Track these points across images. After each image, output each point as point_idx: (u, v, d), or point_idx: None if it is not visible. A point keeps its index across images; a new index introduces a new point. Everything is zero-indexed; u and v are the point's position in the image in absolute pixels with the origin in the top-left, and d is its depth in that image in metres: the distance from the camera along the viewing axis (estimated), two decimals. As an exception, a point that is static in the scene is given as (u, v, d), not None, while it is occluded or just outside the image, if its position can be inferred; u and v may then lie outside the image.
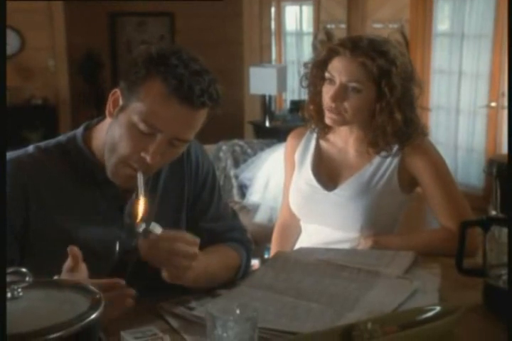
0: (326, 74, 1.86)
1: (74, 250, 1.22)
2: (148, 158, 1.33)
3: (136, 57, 1.35)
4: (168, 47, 1.36)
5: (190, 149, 1.55)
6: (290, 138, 2.09)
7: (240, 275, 1.56)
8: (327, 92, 1.85)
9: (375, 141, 1.87)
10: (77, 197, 1.43)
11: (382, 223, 1.91)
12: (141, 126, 1.32)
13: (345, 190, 1.91)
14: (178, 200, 1.54)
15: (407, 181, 1.90)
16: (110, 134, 1.38)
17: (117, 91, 1.38)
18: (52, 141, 1.48)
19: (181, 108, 1.31)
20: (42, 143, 1.47)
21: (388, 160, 1.89)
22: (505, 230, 1.36)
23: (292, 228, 2.08)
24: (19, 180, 1.38)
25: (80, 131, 1.47)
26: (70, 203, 1.42)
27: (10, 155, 1.42)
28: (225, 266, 1.51)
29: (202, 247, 1.40)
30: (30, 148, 1.46)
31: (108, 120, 1.41)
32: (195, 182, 1.56)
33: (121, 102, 1.36)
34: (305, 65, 1.99)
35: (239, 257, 1.57)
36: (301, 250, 1.89)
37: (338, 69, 1.82)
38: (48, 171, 1.41)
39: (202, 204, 1.58)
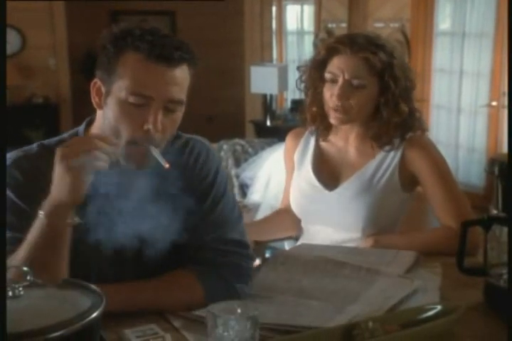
0: (327, 74, 1.85)
1: None
2: (151, 128, 1.33)
3: (102, 41, 1.37)
4: (124, 25, 1.38)
5: (195, 145, 1.53)
6: (288, 139, 2.09)
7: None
8: (329, 91, 1.85)
9: (378, 134, 1.88)
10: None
11: (383, 222, 1.91)
12: (131, 99, 1.32)
13: (346, 189, 1.91)
14: (177, 190, 1.46)
15: (408, 179, 1.90)
16: (107, 122, 1.38)
17: (96, 81, 1.39)
18: (55, 138, 1.49)
19: (161, 68, 1.32)
20: (45, 141, 1.48)
21: (389, 158, 1.89)
22: (506, 229, 1.36)
23: (288, 216, 2.06)
24: (30, 174, 1.39)
25: (81, 127, 1.48)
26: None
27: (15, 153, 1.44)
28: (176, 302, 1.39)
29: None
30: (34, 145, 1.47)
31: (99, 113, 1.42)
32: (190, 180, 1.48)
33: (103, 90, 1.37)
34: (298, 68, 1.99)
35: (199, 286, 1.40)
36: (301, 247, 1.89)
37: (340, 68, 1.83)
38: (50, 168, 1.41)
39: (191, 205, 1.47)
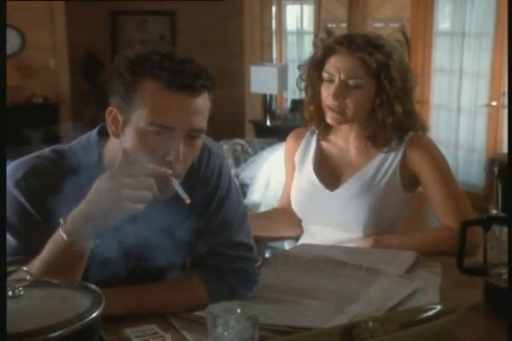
0: (324, 74, 1.86)
1: None
2: (173, 159, 1.28)
3: (116, 67, 1.31)
4: (141, 49, 1.33)
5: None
6: (289, 139, 2.09)
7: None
8: (326, 91, 1.86)
9: (374, 135, 1.88)
10: None
11: (384, 222, 1.91)
12: (152, 129, 1.27)
13: (347, 189, 1.91)
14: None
15: (409, 179, 1.90)
16: (125, 151, 1.32)
17: (112, 109, 1.33)
18: (65, 148, 1.43)
19: (182, 97, 1.27)
20: (58, 147, 1.44)
21: (390, 158, 1.89)
22: (505, 229, 1.36)
23: (286, 214, 2.05)
24: (46, 183, 1.34)
25: (93, 137, 1.42)
26: None
27: (30, 159, 1.40)
28: (180, 306, 1.38)
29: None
30: (48, 151, 1.42)
31: (115, 141, 1.36)
32: (195, 182, 1.46)
33: (120, 118, 1.32)
34: (299, 67, 1.99)
35: (205, 293, 1.39)
36: (301, 246, 1.89)
37: (336, 67, 1.83)
38: (65, 178, 1.39)
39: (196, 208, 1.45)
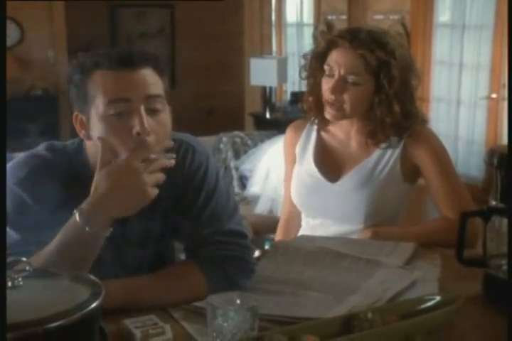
0: (325, 67, 1.85)
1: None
2: (140, 130, 1.31)
3: (68, 78, 1.39)
4: (80, 54, 1.39)
5: (181, 144, 1.49)
6: (289, 131, 2.08)
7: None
8: (326, 84, 1.85)
9: (374, 132, 1.88)
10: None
11: (385, 214, 1.91)
12: (111, 110, 1.31)
13: (348, 181, 1.91)
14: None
15: (410, 171, 1.90)
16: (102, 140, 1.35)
17: (77, 114, 1.39)
18: (60, 147, 1.47)
19: (126, 72, 1.33)
20: (53, 144, 1.47)
21: (390, 149, 1.89)
22: (505, 220, 1.36)
23: (296, 222, 2.06)
24: (53, 180, 1.39)
25: (83, 148, 1.46)
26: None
27: (27, 156, 1.43)
28: (181, 296, 1.38)
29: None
30: (42, 148, 1.46)
31: (89, 143, 1.42)
32: (180, 180, 1.48)
33: (84, 118, 1.38)
34: (304, 56, 1.99)
35: (204, 283, 1.40)
36: (300, 238, 1.89)
37: (337, 62, 1.82)
38: (60, 175, 1.41)
39: (185, 203, 1.48)
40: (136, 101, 1.32)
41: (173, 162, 1.31)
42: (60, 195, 1.37)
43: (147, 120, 1.32)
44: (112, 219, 1.28)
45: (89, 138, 1.39)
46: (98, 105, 1.33)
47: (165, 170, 1.44)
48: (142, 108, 1.32)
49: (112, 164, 1.29)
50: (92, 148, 1.42)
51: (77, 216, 1.26)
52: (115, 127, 1.32)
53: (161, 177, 1.29)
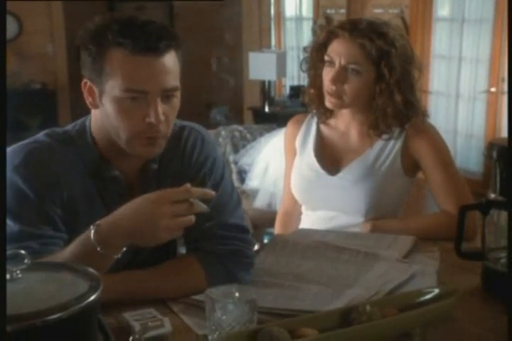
0: (326, 57, 1.86)
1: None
2: (153, 120, 1.31)
3: (81, 40, 1.33)
4: (99, 19, 1.34)
5: (190, 133, 1.51)
6: (290, 125, 2.08)
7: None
8: (327, 75, 1.85)
9: (375, 123, 1.88)
10: (87, 191, 1.41)
11: (386, 207, 1.91)
12: (127, 96, 1.30)
13: (348, 174, 1.91)
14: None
15: (410, 164, 1.90)
16: (107, 122, 1.36)
17: (86, 81, 1.36)
18: (60, 132, 1.45)
19: (149, 60, 1.29)
20: (52, 131, 1.44)
21: (391, 143, 1.89)
22: (504, 213, 1.36)
23: (295, 216, 2.07)
24: (44, 168, 1.36)
25: (88, 124, 1.44)
26: (81, 194, 1.40)
27: (27, 145, 1.40)
28: (180, 289, 1.38)
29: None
30: (42, 136, 1.43)
31: (95, 112, 1.40)
32: (188, 169, 1.49)
33: (95, 89, 1.34)
34: (305, 49, 1.99)
35: (204, 277, 1.39)
36: (300, 232, 1.89)
37: (337, 52, 1.82)
38: (64, 161, 1.39)
39: None
40: (154, 93, 1.31)
41: (207, 208, 1.26)
42: (61, 181, 1.36)
43: (161, 108, 1.32)
44: (125, 244, 1.25)
45: (95, 107, 1.37)
46: (113, 86, 1.30)
47: (173, 158, 1.46)
48: (158, 100, 1.32)
49: (149, 194, 1.24)
50: (95, 117, 1.40)
51: (92, 233, 1.23)
52: (128, 110, 1.32)
53: (188, 221, 1.23)
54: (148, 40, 1.29)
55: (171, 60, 1.32)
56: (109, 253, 1.24)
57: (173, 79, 1.34)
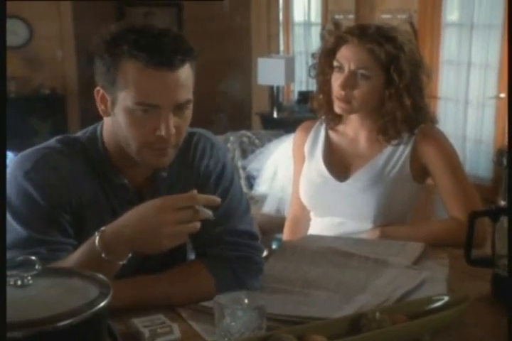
0: (335, 63, 1.86)
1: None
2: (164, 134, 1.30)
3: (96, 48, 1.32)
4: (115, 27, 1.33)
5: (199, 140, 1.51)
6: (298, 132, 2.09)
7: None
8: (336, 81, 1.85)
9: (384, 128, 1.88)
10: (96, 197, 1.41)
11: (394, 213, 1.90)
12: (139, 109, 1.29)
13: (357, 180, 1.90)
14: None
15: (419, 170, 1.90)
16: (118, 131, 1.36)
17: (99, 89, 1.36)
18: (71, 138, 1.45)
19: (163, 73, 1.28)
20: (63, 138, 1.45)
21: (400, 149, 1.89)
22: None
23: (304, 222, 2.06)
24: (61, 172, 1.37)
25: (99, 131, 1.44)
26: (90, 201, 1.40)
27: (38, 150, 1.40)
28: (188, 295, 1.37)
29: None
30: (54, 142, 1.43)
31: (107, 119, 1.40)
32: (197, 176, 1.49)
33: (108, 97, 1.34)
34: (313, 55, 2.00)
35: (212, 283, 1.39)
36: (308, 238, 1.89)
37: (346, 57, 1.82)
38: (75, 168, 1.40)
39: None
40: (166, 107, 1.30)
41: (212, 215, 1.25)
42: (72, 187, 1.36)
43: (172, 121, 1.31)
44: (129, 250, 1.25)
45: (107, 114, 1.37)
46: (125, 98, 1.30)
47: (182, 164, 1.46)
48: (171, 114, 1.31)
49: (154, 200, 1.24)
50: (107, 125, 1.41)
51: (97, 239, 1.23)
52: (139, 122, 1.31)
53: (193, 228, 1.22)
54: (163, 54, 1.27)
55: (184, 74, 1.31)
56: (114, 260, 1.24)
57: (186, 93, 1.33)
